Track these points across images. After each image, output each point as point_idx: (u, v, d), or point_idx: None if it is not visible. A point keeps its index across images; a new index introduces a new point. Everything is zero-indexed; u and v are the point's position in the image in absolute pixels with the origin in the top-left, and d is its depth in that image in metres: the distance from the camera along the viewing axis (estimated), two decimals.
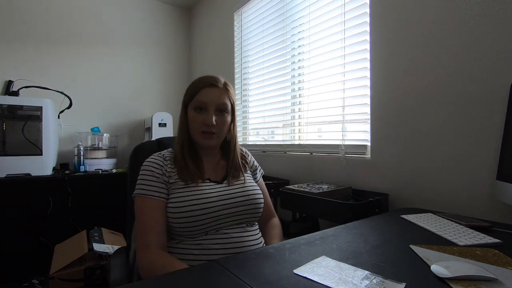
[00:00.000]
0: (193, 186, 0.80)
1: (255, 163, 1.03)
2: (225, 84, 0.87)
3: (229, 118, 0.87)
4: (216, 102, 0.83)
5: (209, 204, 0.77)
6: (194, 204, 0.76)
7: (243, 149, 1.03)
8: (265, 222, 0.98)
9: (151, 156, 0.85)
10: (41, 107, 2.00)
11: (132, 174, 0.98)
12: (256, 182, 0.97)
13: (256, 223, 0.91)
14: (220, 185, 0.84)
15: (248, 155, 1.02)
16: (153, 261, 0.71)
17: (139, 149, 1.03)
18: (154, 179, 0.79)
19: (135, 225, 0.79)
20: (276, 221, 0.99)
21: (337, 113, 1.54)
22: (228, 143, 0.92)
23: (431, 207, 1.11)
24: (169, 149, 0.91)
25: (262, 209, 0.88)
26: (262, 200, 0.88)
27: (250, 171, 0.99)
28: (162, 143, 1.08)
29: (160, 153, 0.88)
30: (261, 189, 0.94)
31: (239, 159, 0.93)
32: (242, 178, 0.90)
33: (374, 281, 0.49)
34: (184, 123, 0.87)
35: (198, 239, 0.76)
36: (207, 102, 0.82)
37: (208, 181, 0.84)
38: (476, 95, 1.01)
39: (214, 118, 0.82)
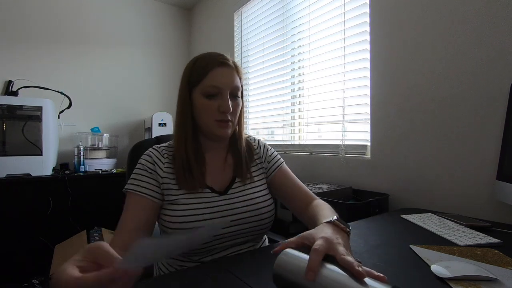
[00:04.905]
0: (191, 195, 0.70)
1: (270, 152, 0.87)
2: (234, 62, 0.75)
3: (240, 102, 0.76)
4: (230, 85, 0.71)
5: (207, 222, 0.68)
6: (189, 222, 0.67)
7: (253, 137, 0.89)
8: (304, 209, 0.77)
9: (149, 149, 0.76)
10: (41, 107, 2.00)
11: (130, 172, 0.97)
12: (270, 177, 0.83)
13: (265, 236, 0.85)
14: (222, 197, 0.73)
15: (258, 145, 0.87)
16: None
17: (138, 147, 1.02)
18: (147, 174, 0.70)
19: None
20: (318, 201, 0.77)
21: (337, 113, 1.54)
22: (234, 132, 0.80)
23: (431, 207, 1.10)
24: (170, 142, 0.79)
25: (270, 223, 0.77)
26: (271, 213, 0.77)
27: (263, 166, 0.84)
28: (161, 141, 1.07)
29: (159, 146, 0.77)
30: (286, 179, 0.83)
31: (245, 152, 0.80)
32: (249, 181, 0.78)
33: None
34: (187, 111, 0.73)
35: (200, 260, 0.70)
36: (220, 86, 0.70)
37: (209, 190, 0.72)
38: (476, 95, 1.01)
39: (230, 104, 0.70)
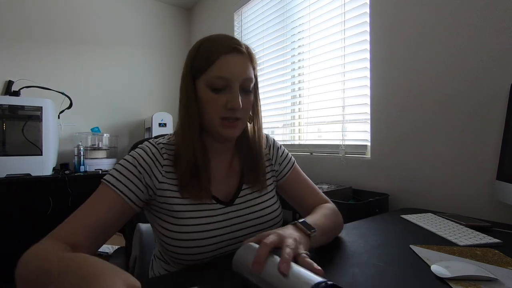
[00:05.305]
0: (193, 206, 0.61)
1: (280, 152, 0.77)
2: (247, 48, 0.63)
3: (252, 97, 0.65)
4: (242, 77, 0.59)
5: (211, 240, 0.60)
6: (191, 240, 0.59)
7: (266, 135, 0.76)
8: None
9: (145, 143, 0.65)
10: (41, 107, 2.00)
11: None
12: (281, 181, 0.75)
13: None
14: (228, 209, 0.64)
15: (267, 144, 0.76)
16: (31, 251, 0.48)
17: None
18: (135, 172, 0.59)
19: None
20: (322, 205, 0.71)
21: (337, 113, 1.54)
22: (243, 132, 0.67)
23: (431, 207, 1.10)
24: (170, 137, 0.68)
25: None
26: (280, 223, 0.71)
27: (273, 169, 0.75)
28: None
29: (157, 142, 0.65)
30: (298, 182, 0.75)
31: (263, 157, 0.70)
32: (259, 189, 0.69)
33: None
34: (193, 105, 0.61)
35: None
36: (229, 77, 0.58)
37: (214, 201, 0.64)
38: (476, 95, 1.01)
39: (240, 99, 0.59)
